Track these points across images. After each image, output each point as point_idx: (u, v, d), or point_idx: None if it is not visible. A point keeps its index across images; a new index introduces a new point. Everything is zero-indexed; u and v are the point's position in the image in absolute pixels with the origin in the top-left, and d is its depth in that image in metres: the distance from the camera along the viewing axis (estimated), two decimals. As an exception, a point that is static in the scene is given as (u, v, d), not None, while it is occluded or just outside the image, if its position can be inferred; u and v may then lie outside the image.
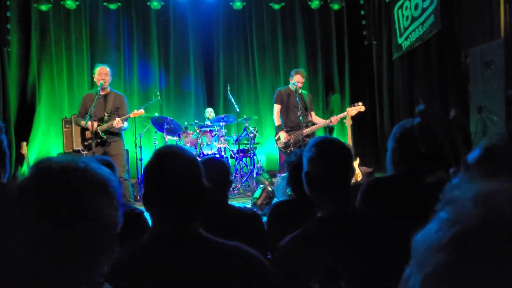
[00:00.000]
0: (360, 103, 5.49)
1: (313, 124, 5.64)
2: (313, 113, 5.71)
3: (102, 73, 5.12)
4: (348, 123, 5.51)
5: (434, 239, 0.48)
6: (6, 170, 1.54)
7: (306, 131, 5.49)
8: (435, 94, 6.26)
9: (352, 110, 5.41)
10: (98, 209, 0.83)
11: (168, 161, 1.25)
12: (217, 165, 2.01)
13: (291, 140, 5.55)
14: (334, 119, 5.49)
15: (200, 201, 1.24)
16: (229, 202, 2.08)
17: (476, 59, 5.18)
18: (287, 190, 4.39)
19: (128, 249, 1.21)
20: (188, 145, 6.70)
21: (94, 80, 5.24)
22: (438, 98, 6.18)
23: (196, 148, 6.71)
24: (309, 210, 1.81)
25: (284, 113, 5.68)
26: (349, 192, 1.48)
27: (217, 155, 6.84)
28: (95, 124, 5.02)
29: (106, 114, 5.13)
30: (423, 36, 6.47)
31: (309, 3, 7.87)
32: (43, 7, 7.16)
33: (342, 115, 5.50)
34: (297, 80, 5.53)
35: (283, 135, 5.57)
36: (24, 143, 5.72)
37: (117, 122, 5.01)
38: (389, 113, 7.85)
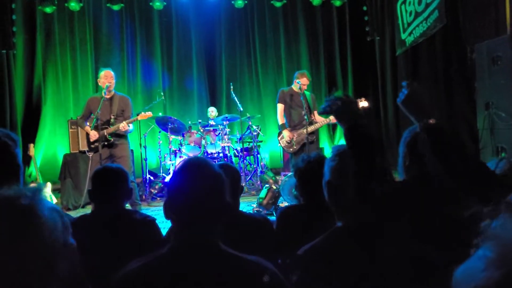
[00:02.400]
0: (363, 99, 5.38)
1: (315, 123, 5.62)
2: (316, 113, 5.68)
3: (108, 76, 5.15)
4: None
5: (479, 279, 0.48)
6: (20, 185, 1.55)
7: (310, 129, 5.48)
8: (440, 90, 6.24)
9: None
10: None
11: (197, 173, 1.25)
12: (227, 171, 2.01)
13: (294, 139, 5.55)
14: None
15: (222, 217, 1.25)
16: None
17: (482, 54, 5.15)
18: (293, 190, 4.40)
19: (146, 259, 1.22)
20: (192, 144, 6.72)
21: (99, 84, 5.27)
22: (443, 94, 6.16)
23: (200, 147, 6.73)
24: (318, 216, 1.83)
25: (287, 113, 5.68)
26: (371, 203, 1.47)
27: (221, 155, 6.86)
28: (94, 134, 5.05)
29: (112, 117, 5.16)
30: (427, 32, 6.44)
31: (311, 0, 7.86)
32: (48, 9, 7.21)
33: None
34: (303, 83, 5.53)
35: (286, 133, 5.57)
36: (31, 145, 5.75)
37: (123, 126, 5.04)
38: (392, 109, 7.83)
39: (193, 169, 1.27)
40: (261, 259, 1.23)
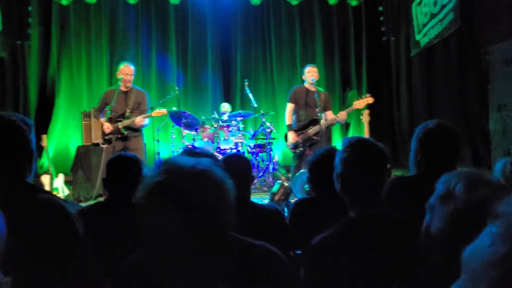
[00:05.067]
0: (367, 95, 5.30)
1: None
2: (330, 112, 5.58)
3: (129, 73, 5.20)
4: (365, 119, 5.43)
5: (486, 254, 0.48)
6: (32, 170, 1.56)
7: (313, 130, 5.38)
8: (454, 91, 6.19)
9: (360, 103, 5.25)
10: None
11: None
12: (239, 161, 2.04)
13: (299, 141, 5.47)
14: (341, 114, 5.25)
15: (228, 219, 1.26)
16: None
17: (496, 56, 5.11)
18: (305, 186, 4.41)
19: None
20: (206, 139, 6.75)
21: (117, 76, 5.29)
22: (457, 96, 6.12)
23: (213, 143, 6.76)
24: (331, 208, 1.84)
25: (297, 111, 5.62)
26: (382, 194, 1.48)
27: (234, 150, 6.88)
28: (108, 126, 5.10)
29: (128, 110, 5.21)
30: (442, 33, 6.39)
31: (327, -2, 7.85)
32: (64, 1, 7.27)
33: (349, 109, 5.38)
34: (310, 74, 5.42)
35: (290, 136, 5.50)
36: (44, 136, 5.83)
37: (139, 121, 5.08)
38: (407, 110, 7.79)
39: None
40: (268, 244, 1.25)
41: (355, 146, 1.50)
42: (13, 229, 1.31)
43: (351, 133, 8.55)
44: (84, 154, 6.37)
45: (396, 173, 6.67)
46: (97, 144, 5.68)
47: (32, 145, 1.56)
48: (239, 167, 1.95)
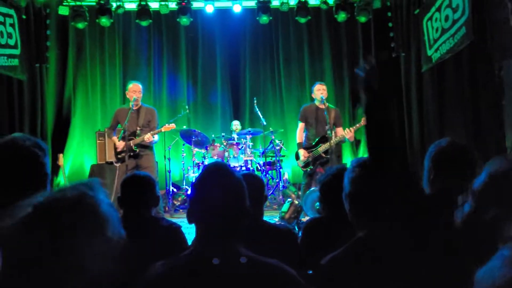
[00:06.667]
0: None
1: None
2: (340, 129, 5.59)
3: (136, 90, 5.31)
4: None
5: (497, 276, 0.49)
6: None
7: (323, 147, 5.38)
8: (467, 108, 6.14)
9: None
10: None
11: (218, 179, 1.30)
12: (252, 180, 2.05)
13: (310, 159, 5.46)
14: (349, 131, 5.25)
15: (243, 222, 1.29)
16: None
17: (510, 71, 5.07)
18: (316, 204, 4.39)
19: (170, 262, 1.27)
20: (215, 157, 6.79)
21: (127, 96, 5.42)
22: (470, 112, 6.06)
23: (222, 161, 6.79)
24: (342, 228, 1.83)
25: (308, 129, 5.63)
26: (391, 213, 1.48)
27: (244, 168, 6.90)
28: (123, 144, 5.18)
29: (138, 128, 5.30)
30: (454, 48, 6.36)
31: (335, 16, 7.88)
32: (80, 25, 7.46)
33: (357, 126, 5.38)
34: (320, 92, 5.46)
35: (301, 153, 5.52)
36: (61, 155, 5.92)
37: (148, 137, 5.15)
38: (418, 126, 7.74)
39: (215, 173, 1.32)
40: (280, 262, 1.26)
41: (363, 166, 1.51)
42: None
43: (361, 151, 8.51)
44: (98, 173, 6.45)
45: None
46: (111, 163, 5.75)
47: (46, 168, 1.60)
48: (251, 186, 1.96)
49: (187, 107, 7.38)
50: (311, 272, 1.92)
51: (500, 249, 0.53)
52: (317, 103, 5.59)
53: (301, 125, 5.65)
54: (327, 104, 5.48)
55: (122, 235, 0.93)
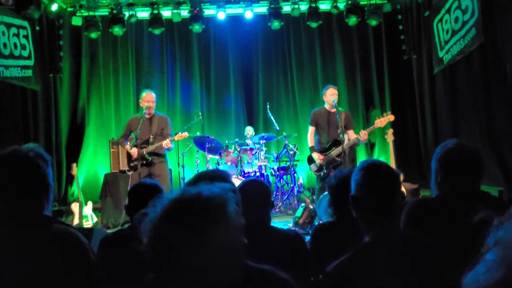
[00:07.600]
0: (388, 112, 5.31)
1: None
2: (351, 132, 5.55)
3: (150, 100, 5.35)
4: (390, 138, 5.40)
5: (481, 280, 0.49)
6: (50, 202, 1.66)
7: (336, 151, 5.35)
8: (479, 108, 6.06)
9: (381, 121, 5.23)
10: None
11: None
12: (258, 187, 2.06)
13: (323, 163, 5.43)
14: (363, 134, 5.18)
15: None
16: (272, 222, 2.12)
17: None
18: (329, 209, 4.37)
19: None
20: (229, 163, 6.81)
21: (140, 105, 5.48)
22: (483, 113, 5.99)
23: (236, 166, 6.80)
24: (351, 232, 1.83)
25: (319, 133, 5.61)
26: (396, 217, 1.48)
27: (258, 174, 6.90)
28: (136, 151, 5.23)
29: (151, 137, 5.34)
30: (464, 49, 6.31)
31: (346, 20, 7.88)
32: (93, 35, 7.60)
33: (371, 128, 5.34)
34: (332, 96, 5.46)
35: (316, 156, 5.47)
36: (74, 164, 6.00)
37: (166, 143, 5.17)
38: (431, 127, 7.67)
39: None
40: (273, 268, 1.25)
41: (367, 168, 1.51)
42: (28, 257, 1.39)
43: (376, 153, 8.46)
44: (112, 182, 6.51)
45: (424, 193, 6.52)
46: (124, 171, 5.81)
47: (49, 178, 1.65)
48: (257, 193, 1.97)
49: (200, 113, 7.43)
50: (322, 277, 1.91)
51: (487, 253, 0.53)
52: (327, 106, 5.56)
53: (311, 129, 5.63)
54: (337, 107, 5.46)
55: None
